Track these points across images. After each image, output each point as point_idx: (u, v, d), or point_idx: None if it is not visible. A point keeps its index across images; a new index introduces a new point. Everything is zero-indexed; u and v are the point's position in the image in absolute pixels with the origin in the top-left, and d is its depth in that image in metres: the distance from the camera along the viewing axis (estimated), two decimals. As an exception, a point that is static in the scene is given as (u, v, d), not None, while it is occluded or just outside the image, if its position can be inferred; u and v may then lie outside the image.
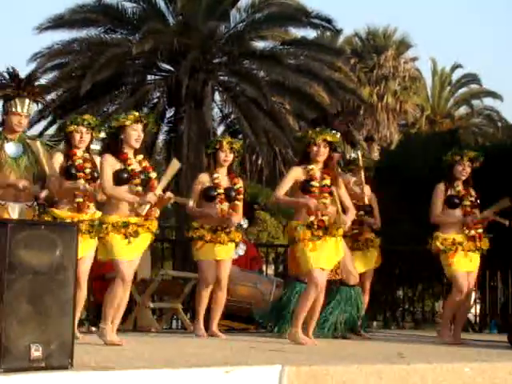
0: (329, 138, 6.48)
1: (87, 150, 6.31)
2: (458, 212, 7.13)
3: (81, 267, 5.87)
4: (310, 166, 6.47)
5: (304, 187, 6.41)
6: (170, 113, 21.02)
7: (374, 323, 10.53)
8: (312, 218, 6.32)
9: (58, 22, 19.89)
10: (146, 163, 5.96)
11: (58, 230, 4.05)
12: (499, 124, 32.22)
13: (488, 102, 34.53)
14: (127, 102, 19.84)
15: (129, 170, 5.83)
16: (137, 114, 6.02)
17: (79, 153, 6.23)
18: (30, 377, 3.67)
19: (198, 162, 19.74)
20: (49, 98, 20.26)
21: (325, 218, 6.35)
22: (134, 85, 20.55)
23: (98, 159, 6.24)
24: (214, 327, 7.22)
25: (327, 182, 6.44)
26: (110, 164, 5.83)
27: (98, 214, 6.14)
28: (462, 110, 35.33)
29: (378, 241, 7.93)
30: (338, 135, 6.91)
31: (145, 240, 5.87)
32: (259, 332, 8.15)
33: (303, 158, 6.59)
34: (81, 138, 6.22)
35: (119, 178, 5.81)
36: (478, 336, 7.96)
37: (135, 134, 5.89)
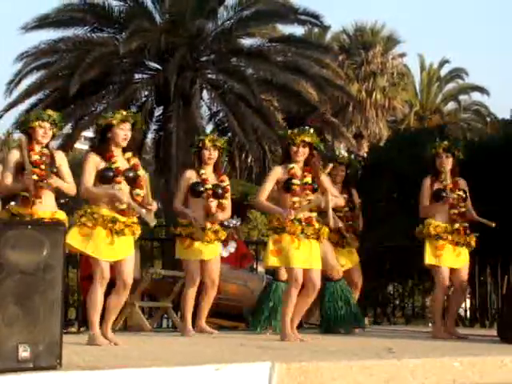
0: (307, 139, 6.47)
1: (46, 146, 6.10)
2: (444, 205, 7.20)
3: None
4: (291, 165, 6.48)
5: (286, 186, 6.43)
6: (158, 111, 20.96)
7: (365, 319, 10.53)
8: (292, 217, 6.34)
9: (44, 22, 19.82)
10: (134, 160, 5.92)
11: (46, 229, 4.03)
12: (488, 119, 32.27)
13: (476, 97, 34.65)
14: (115, 101, 19.75)
15: (113, 168, 5.77)
16: (124, 112, 5.98)
17: (37, 148, 6.01)
18: (18, 377, 3.65)
19: (188, 161, 19.68)
20: (36, 97, 20.25)
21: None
22: (121, 84, 20.47)
23: (59, 154, 6.13)
24: (203, 323, 7.21)
25: (308, 179, 6.46)
26: (94, 163, 5.79)
27: (60, 213, 5.98)
28: (451, 105, 35.42)
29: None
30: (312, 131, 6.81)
31: (126, 243, 5.79)
32: (249, 330, 8.14)
33: (285, 157, 6.61)
34: (44, 133, 6.02)
35: (104, 177, 5.76)
36: (469, 330, 7.96)
37: (122, 134, 5.86)
